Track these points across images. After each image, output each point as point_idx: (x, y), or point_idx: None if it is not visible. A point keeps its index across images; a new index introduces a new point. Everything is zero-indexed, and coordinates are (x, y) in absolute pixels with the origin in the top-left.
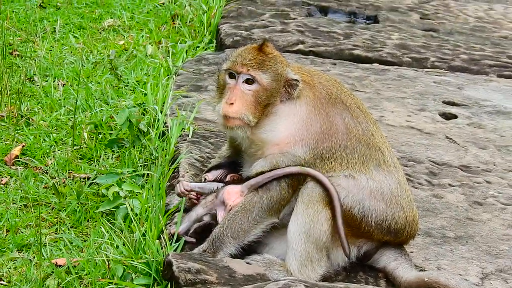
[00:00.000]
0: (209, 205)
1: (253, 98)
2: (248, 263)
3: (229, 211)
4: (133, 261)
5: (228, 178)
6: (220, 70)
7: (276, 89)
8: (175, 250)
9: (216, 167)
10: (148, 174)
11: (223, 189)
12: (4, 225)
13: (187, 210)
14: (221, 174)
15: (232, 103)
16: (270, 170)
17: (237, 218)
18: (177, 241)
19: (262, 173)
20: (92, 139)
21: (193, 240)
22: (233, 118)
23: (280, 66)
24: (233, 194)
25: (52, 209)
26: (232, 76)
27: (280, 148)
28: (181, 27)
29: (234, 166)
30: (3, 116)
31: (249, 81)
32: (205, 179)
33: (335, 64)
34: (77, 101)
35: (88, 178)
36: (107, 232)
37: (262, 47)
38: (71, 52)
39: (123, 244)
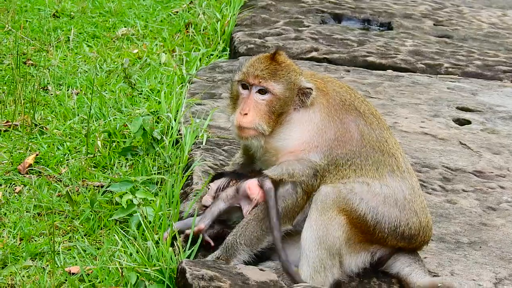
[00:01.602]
0: (231, 199)
1: (267, 108)
2: (261, 269)
3: (244, 218)
4: (147, 268)
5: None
6: (233, 81)
7: (290, 98)
8: (188, 257)
9: (219, 176)
10: (161, 181)
11: (243, 184)
12: (17, 234)
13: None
14: (223, 182)
15: (246, 114)
16: (287, 176)
17: (250, 226)
18: (192, 242)
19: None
20: (106, 147)
21: (211, 242)
22: (247, 129)
23: (293, 74)
24: (255, 187)
25: (66, 217)
26: (245, 86)
27: (295, 155)
28: (195, 35)
29: (237, 175)
30: (17, 125)
31: (262, 91)
32: (209, 188)
33: (349, 71)
34: (90, 109)
35: (102, 186)
36: (121, 240)
37: (275, 56)
38: (85, 61)
39: (137, 252)
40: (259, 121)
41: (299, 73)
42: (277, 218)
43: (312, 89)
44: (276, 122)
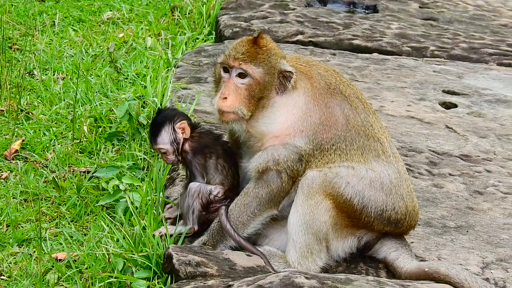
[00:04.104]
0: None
1: (246, 92)
2: (248, 255)
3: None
4: (133, 254)
5: None
6: (216, 63)
7: (270, 82)
8: (175, 243)
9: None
10: (148, 167)
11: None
12: (4, 220)
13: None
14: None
15: (225, 97)
16: (272, 163)
17: (235, 212)
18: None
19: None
20: (92, 133)
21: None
22: (227, 112)
23: (274, 58)
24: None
25: (52, 203)
26: (226, 69)
27: (281, 140)
28: (180, 19)
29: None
30: (3, 110)
31: (242, 75)
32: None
33: (334, 55)
34: (76, 94)
35: (88, 172)
36: (107, 225)
37: (257, 39)
38: (71, 45)
39: (123, 238)
40: (238, 105)
41: (280, 56)
42: (232, 231)
43: (292, 73)
44: (256, 106)
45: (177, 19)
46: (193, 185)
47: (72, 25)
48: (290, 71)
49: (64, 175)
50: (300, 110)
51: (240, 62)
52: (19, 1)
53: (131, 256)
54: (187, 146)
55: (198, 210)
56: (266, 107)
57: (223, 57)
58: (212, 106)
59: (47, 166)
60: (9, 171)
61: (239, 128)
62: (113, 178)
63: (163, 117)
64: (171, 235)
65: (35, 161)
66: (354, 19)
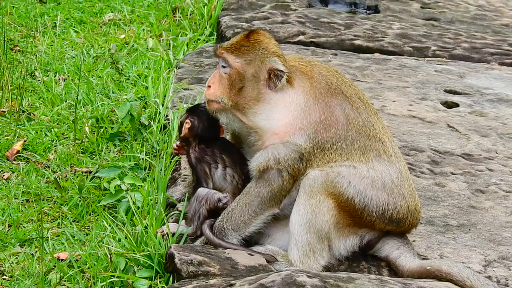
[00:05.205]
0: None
1: (227, 81)
2: (250, 254)
3: (230, 204)
4: (135, 254)
5: None
6: None
7: (254, 75)
8: (177, 243)
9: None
10: (149, 167)
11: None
12: (6, 220)
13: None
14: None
15: (209, 86)
16: (273, 162)
17: (236, 211)
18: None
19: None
20: (94, 133)
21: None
22: (211, 101)
23: (262, 52)
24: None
25: (54, 203)
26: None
27: (281, 138)
28: (181, 20)
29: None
30: (5, 111)
31: (225, 65)
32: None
33: (336, 55)
34: (78, 95)
35: (90, 172)
36: (109, 225)
37: (250, 33)
38: (72, 46)
39: (125, 237)
40: (220, 93)
41: (271, 52)
42: (221, 241)
43: (283, 72)
44: (237, 96)
45: (179, 20)
46: (202, 191)
47: (74, 27)
48: (281, 70)
49: (66, 176)
50: (298, 107)
51: (223, 51)
52: (20, 2)
53: (133, 256)
54: (191, 152)
55: (203, 216)
56: (260, 101)
57: (214, 47)
58: None
59: (48, 167)
60: (11, 172)
61: (227, 120)
62: (115, 178)
63: (189, 108)
64: (173, 234)
65: (37, 161)
66: (356, 19)
